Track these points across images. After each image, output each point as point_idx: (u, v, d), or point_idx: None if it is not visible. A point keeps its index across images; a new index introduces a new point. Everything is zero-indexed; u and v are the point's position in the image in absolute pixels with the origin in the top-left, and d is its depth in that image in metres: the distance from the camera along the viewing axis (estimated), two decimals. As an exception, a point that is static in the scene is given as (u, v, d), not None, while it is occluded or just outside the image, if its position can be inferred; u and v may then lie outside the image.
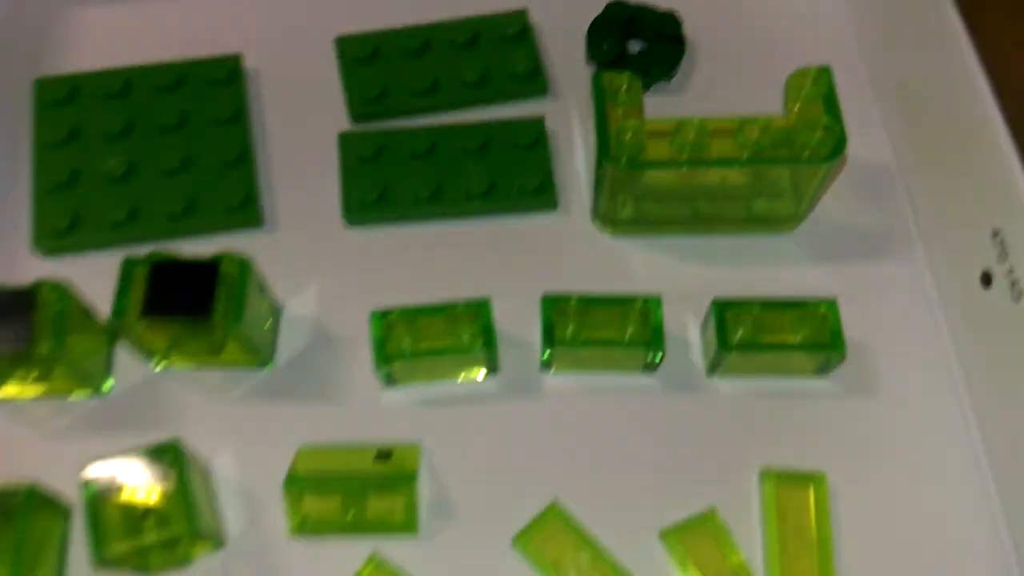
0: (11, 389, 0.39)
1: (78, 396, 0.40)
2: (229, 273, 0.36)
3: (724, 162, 0.39)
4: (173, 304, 0.36)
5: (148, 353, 0.39)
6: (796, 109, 0.40)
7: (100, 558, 0.33)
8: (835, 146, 0.39)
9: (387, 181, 0.44)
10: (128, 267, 0.36)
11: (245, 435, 0.39)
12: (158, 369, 0.40)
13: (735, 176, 0.43)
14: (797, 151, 0.39)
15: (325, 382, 0.41)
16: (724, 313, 0.39)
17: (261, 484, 0.38)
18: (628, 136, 0.39)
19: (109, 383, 0.40)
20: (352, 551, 0.37)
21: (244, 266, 0.37)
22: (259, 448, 0.39)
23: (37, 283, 0.36)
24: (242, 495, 0.38)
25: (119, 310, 0.36)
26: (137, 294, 0.36)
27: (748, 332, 0.38)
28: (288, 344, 0.42)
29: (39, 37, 0.49)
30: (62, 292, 0.36)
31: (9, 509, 0.34)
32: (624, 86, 0.40)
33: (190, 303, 0.36)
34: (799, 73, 0.41)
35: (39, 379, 0.38)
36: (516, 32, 0.48)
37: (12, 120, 0.46)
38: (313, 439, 0.39)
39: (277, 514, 0.38)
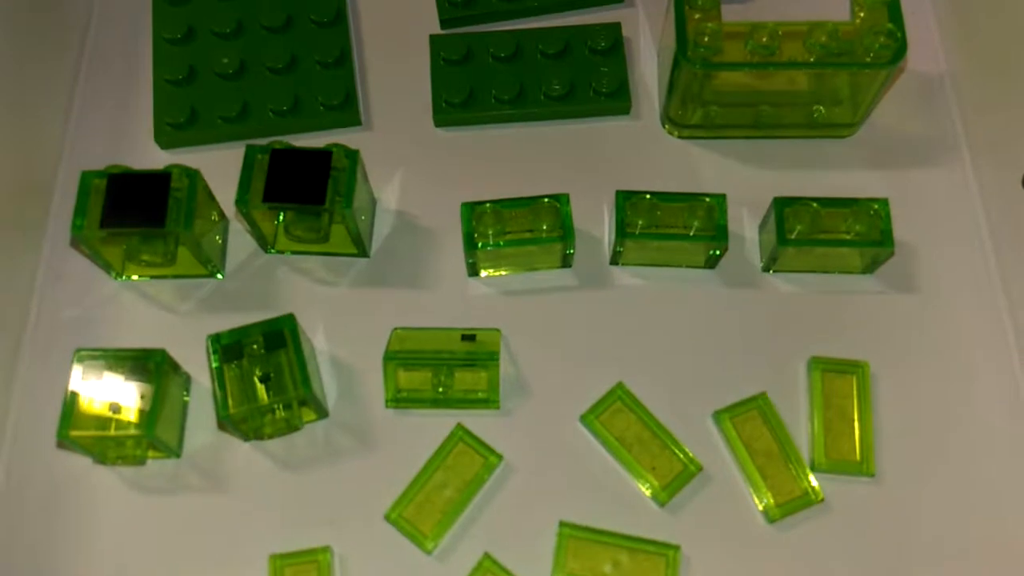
0: (139, 270, 0.44)
1: (197, 279, 0.44)
2: (340, 163, 0.41)
3: (793, 64, 0.42)
4: (290, 191, 0.40)
5: (261, 237, 0.44)
6: (861, 15, 0.43)
7: (223, 416, 0.38)
8: (897, 51, 0.42)
9: (473, 84, 0.48)
10: (251, 153, 0.41)
11: (345, 318, 0.44)
12: (272, 251, 0.45)
13: (800, 80, 0.46)
14: (860, 55, 0.42)
15: (415, 272, 0.45)
16: (784, 209, 0.42)
17: (359, 362, 0.43)
18: (705, 39, 0.42)
19: (223, 269, 0.45)
20: (439, 422, 0.41)
21: (353, 156, 0.41)
22: (357, 330, 0.43)
23: (170, 167, 0.40)
24: (342, 372, 0.43)
25: (243, 194, 0.40)
26: (258, 181, 0.40)
27: (805, 227, 0.42)
28: (382, 236, 0.46)
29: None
30: (193, 177, 0.41)
31: (146, 369, 0.39)
32: (702, -9, 0.43)
33: (305, 190, 0.40)
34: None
35: (166, 260, 0.43)
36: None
37: (133, 18, 0.50)
38: (404, 323, 0.43)
39: (373, 389, 0.42)
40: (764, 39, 0.42)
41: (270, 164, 0.41)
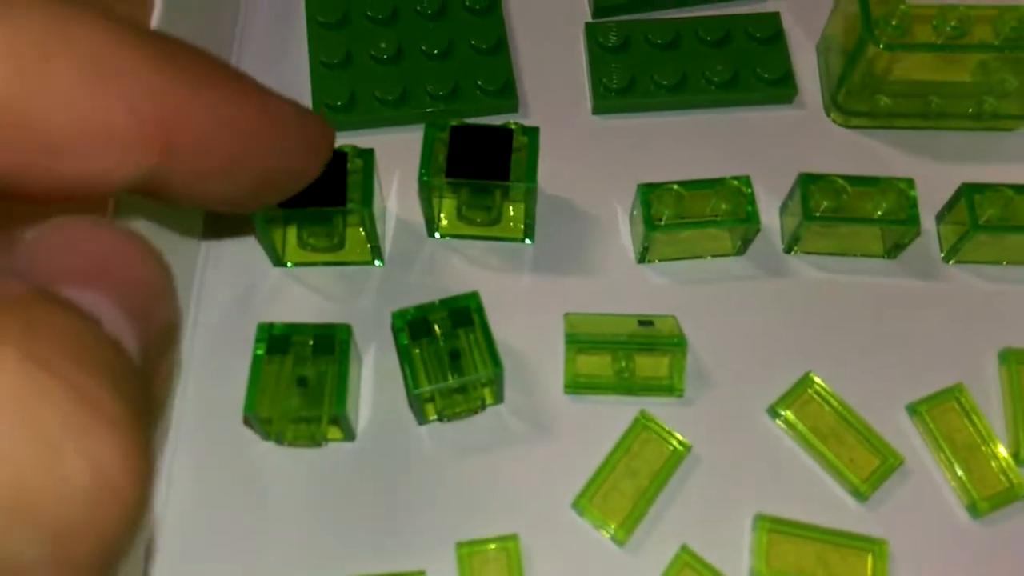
0: (302, 256, 0.43)
1: (357, 266, 0.43)
2: (521, 141, 0.40)
3: (984, 47, 0.41)
4: (473, 166, 0.39)
5: (431, 219, 0.43)
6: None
7: (413, 394, 0.37)
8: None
9: (633, 70, 0.47)
10: (430, 130, 0.40)
11: (511, 304, 0.42)
12: (437, 236, 0.44)
13: (971, 71, 0.45)
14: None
15: (580, 258, 0.44)
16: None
17: (527, 349, 0.41)
18: (894, 21, 0.41)
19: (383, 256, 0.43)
20: (617, 409, 0.40)
21: (533, 134, 0.40)
22: (524, 316, 0.42)
23: (347, 147, 0.39)
24: (511, 358, 0.41)
25: (425, 170, 0.39)
26: (439, 158, 0.39)
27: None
28: (544, 222, 0.44)
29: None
30: (367, 158, 0.39)
31: (331, 344, 0.37)
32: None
33: (488, 166, 0.39)
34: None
35: (333, 244, 0.42)
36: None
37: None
38: (573, 310, 0.42)
39: (546, 375, 0.41)
40: (953, 22, 0.41)
41: (451, 140, 0.40)
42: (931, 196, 0.44)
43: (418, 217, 0.43)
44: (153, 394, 0.17)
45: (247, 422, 0.39)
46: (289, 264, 0.43)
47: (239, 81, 0.22)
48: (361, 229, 0.41)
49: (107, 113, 0.17)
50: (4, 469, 0.13)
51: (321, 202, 0.38)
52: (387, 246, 0.44)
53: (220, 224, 0.44)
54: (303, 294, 0.43)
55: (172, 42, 0.20)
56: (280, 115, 0.23)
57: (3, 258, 0.16)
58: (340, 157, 0.39)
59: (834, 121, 0.47)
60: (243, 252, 0.43)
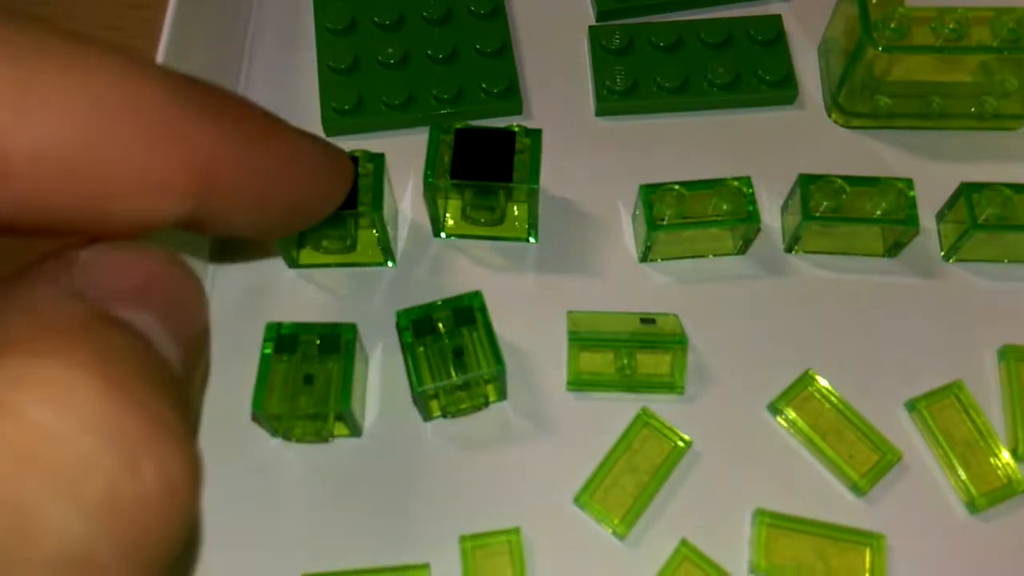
0: (314, 257, 0.43)
1: (369, 267, 0.44)
2: (524, 143, 0.40)
3: (982, 49, 0.42)
4: (477, 168, 0.40)
5: (436, 219, 0.43)
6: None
7: (417, 392, 0.37)
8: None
9: (636, 73, 0.47)
10: (435, 135, 0.40)
11: (514, 303, 0.43)
12: (443, 235, 0.44)
13: (971, 71, 0.45)
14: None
15: (583, 258, 0.44)
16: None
17: (531, 347, 0.42)
18: (892, 23, 0.41)
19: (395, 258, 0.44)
20: (618, 406, 0.40)
21: (536, 136, 0.41)
22: (527, 315, 0.43)
23: (357, 152, 0.40)
24: (514, 356, 0.42)
25: (430, 172, 0.40)
26: (443, 159, 0.40)
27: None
28: (548, 223, 0.45)
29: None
30: (378, 162, 0.40)
31: (337, 343, 0.38)
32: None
33: (492, 167, 0.40)
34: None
35: (346, 247, 0.43)
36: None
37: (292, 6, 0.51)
38: (575, 308, 0.42)
39: (549, 373, 0.41)
40: (952, 24, 0.42)
41: (455, 143, 0.40)
42: (931, 195, 0.44)
43: (425, 218, 0.44)
44: (190, 400, 0.19)
45: (255, 419, 0.40)
46: (302, 265, 0.44)
47: (274, 127, 0.24)
48: (374, 230, 0.42)
49: (159, 165, 0.19)
50: (98, 480, 0.15)
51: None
52: (399, 247, 0.45)
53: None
54: (314, 294, 0.43)
55: (216, 92, 0.21)
56: (309, 156, 0.25)
57: (64, 277, 0.18)
58: (351, 161, 0.40)
59: (835, 122, 0.47)
60: (257, 253, 0.44)
